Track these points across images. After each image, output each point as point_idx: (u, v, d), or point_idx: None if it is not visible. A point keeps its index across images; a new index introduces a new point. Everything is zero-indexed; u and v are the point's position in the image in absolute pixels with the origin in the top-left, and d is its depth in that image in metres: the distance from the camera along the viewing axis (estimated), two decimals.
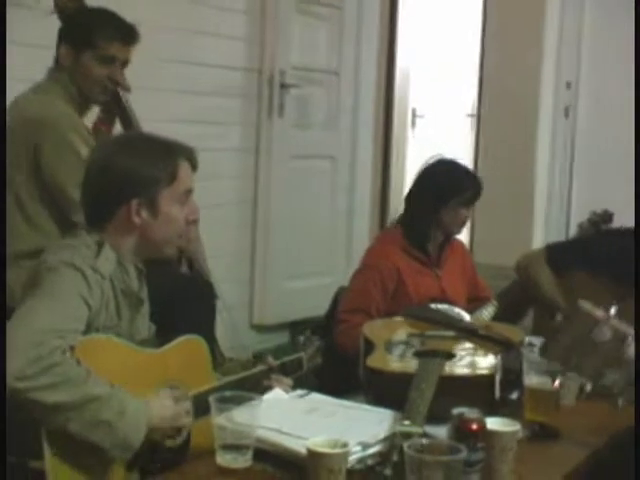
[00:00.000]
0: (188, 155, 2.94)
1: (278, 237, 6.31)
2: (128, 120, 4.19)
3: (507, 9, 9.16)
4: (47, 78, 3.90)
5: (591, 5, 6.01)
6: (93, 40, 3.82)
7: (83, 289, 2.68)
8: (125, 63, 3.95)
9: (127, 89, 4.13)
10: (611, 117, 5.99)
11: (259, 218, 6.27)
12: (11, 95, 3.95)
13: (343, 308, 4.36)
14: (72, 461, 2.52)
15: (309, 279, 6.55)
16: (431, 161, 4.61)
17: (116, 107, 4.19)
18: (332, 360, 3.46)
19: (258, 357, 3.31)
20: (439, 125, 10.85)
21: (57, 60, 3.90)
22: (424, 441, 2.32)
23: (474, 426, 2.52)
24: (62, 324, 2.59)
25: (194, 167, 2.97)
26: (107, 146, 3.12)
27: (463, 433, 2.50)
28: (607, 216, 4.59)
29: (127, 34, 3.90)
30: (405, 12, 9.28)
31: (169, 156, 2.90)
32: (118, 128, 4.24)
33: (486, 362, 3.18)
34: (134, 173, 2.82)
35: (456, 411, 2.58)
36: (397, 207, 9.89)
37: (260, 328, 6.17)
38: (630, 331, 3.13)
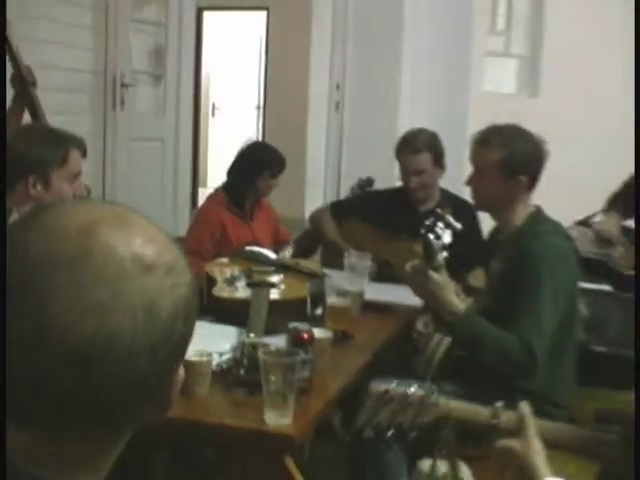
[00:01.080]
0: (78, 145, 3.20)
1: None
2: (35, 111, 4.28)
3: (286, 27, 9.91)
4: None
5: (354, 21, 6.10)
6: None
7: None
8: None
9: (34, 85, 4.30)
10: (370, 109, 6.10)
11: (107, 191, 6.45)
12: None
13: (185, 248, 5.01)
14: None
15: None
16: (248, 143, 5.30)
17: (25, 100, 4.25)
18: None
19: None
20: (233, 115, 11.89)
21: None
22: (272, 348, 2.67)
23: (306, 336, 2.79)
24: None
25: (84, 155, 3.24)
26: (14, 133, 3.36)
27: (298, 341, 2.77)
28: (370, 181, 4.90)
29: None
30: (208, 28, 10.22)
31: (61, 144, 3.13)
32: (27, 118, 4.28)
33: (299, 288, 3.49)
34: (31, 155, 3.04)
35: (291, 325, 2.84)
36: (204, 176, 11.04)
37: None
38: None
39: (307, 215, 5.97)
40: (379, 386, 2.25)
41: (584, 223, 4.61)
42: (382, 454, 3.05)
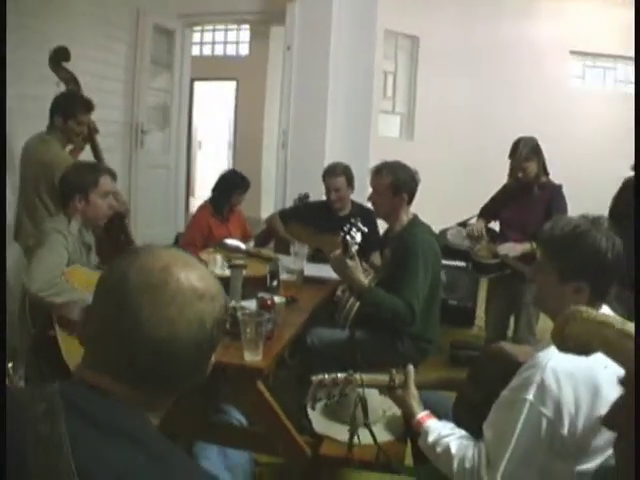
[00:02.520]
0: (108, 172, 3.12)
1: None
2: (96, 151, 4.11)
3: (249, 91, 9.68)
4: (47, 132, 3.82)
5: (295, 89, 5.92)
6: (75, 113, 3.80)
7: (64, 242, 2.84)
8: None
9: (97, 132, 4.12)
10: (305, 147, 5.93)
11: (132, 203, 5.95)
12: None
13: (183, 242, 4.75)
14: (68, 331, 2.68)
15: (154, 227, 6.45)
16: (226, 171, 5.13)
17: (89, 142, 4.07)
18: None
19: None
20: (213, 149, 11.74)
21: (52, 121, 3.81)
22: (247, 310, 2.63)
23: (269, 302, 2.77)
24: (57, 264, 2.76)
25: (113, 178, 3.14)
26: (69, 167, 3.21)
27: (264, 306, 2.75)
28: (306, 195, 5.06)
29: (89, 107, 3.88)
30: (197, 91, 9.76)
31: (95, 171, 3.08)
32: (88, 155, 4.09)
33: (261, 268, 3.46)
34: (77, 181, 3.00)
35: (259, 295, 2.83)
36: (193, 189, 10.68)
37: None
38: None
39: (262, 216, 6.03)
40: (317, 377, 2.19)
41: (462, 224, 4.58)
42: None
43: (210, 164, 11.41)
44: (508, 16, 7.72)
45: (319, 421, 2.55)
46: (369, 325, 3.33)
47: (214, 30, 10.44)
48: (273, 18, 6.52)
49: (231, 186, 4.79)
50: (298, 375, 3.38)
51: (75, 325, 2.59)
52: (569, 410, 1.63)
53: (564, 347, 0.81)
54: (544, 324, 3.26)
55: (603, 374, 1.60)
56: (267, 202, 7.12)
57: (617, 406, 0.80)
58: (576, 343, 0.78)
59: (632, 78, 8.08)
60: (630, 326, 0.71)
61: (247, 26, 9.90)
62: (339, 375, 2.18)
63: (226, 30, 10.48)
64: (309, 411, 2.56)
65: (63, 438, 0.90)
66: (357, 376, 2.17)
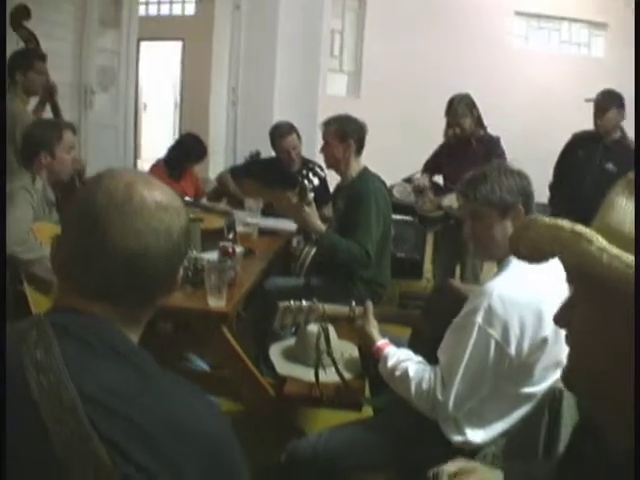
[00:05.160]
0: (70, 127, 3.16)
1: None
2: (56, 109, 4.10)
3: (196, 50, 9.48)
4: (8, 90, 3.78)
5: (245, 46, 5.96)
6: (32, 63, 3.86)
7: (30, 199, 2.86)
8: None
9: (56, 92, 4.12)
10: (256, 105, 5.95)
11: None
12: None
13: None
14: (37, 289, 2.67)
15: None
16: (186, 134, 5.10)
17: (50, 102, 4.09)
18: None
19: None
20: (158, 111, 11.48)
21: (12, 79, 3.82)
22: (211, 260, 2.68)
23: (231, 249, 2.86)
24: (26, 221, 2.76)
25: (74, 133, 3.17)
26: (30, 125, 3.26)
27: (226, 253, 2.83)
28: (258, 153, 4.99)
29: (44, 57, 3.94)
30: (143, 51, 9.62)
31: (58, 127, 3.10)
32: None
33: (218, 222, 3.57)
34: (41, 137, 3.00)
35: (221, 244, 2.93)
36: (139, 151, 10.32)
37: None
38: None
39: (210, 176, 5.92)
40: (284, 303, 2.31)
41: (407, 180, 4.70)
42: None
43: (156, 126, 11.24)
44: None
45: (281, 364, 2.62)
46: (324, 272, 3.43)
47: None
48: None
49: (190, 153, 4.76)
50: (255, 323, 3.46)
51: (44, 282, 2.59)
52: (515, 332, 1.77)
53: (520, 254, 0.90)
54: (489, 272, 3.41)
55: (546, 300, 1.74)
56: (215, 162, 6.97)
57: (566, 304, 0.88)
58: (532, 249, 0.86)
59: (576, 39, 8.28)
60: (580, 227, 0.80)
61: None
62: (304, 303, 2.29)
63: None
64: (271, 355, 2.64)
65: (60, 363, 0.93)
66: (320, 306, 2.28)
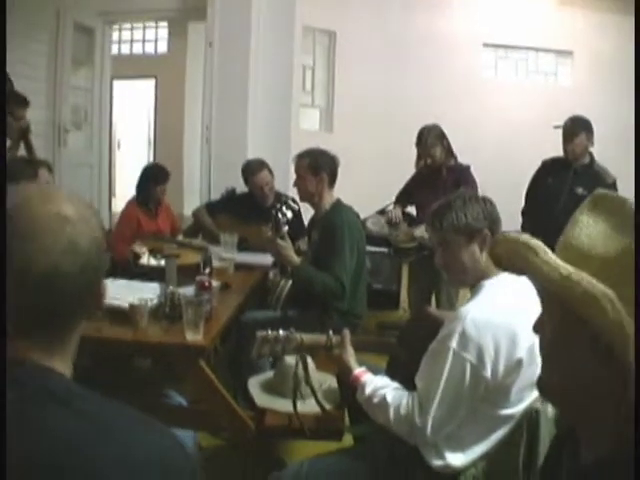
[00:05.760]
0: (45, 164, 3.22)
1: None
2: (30, 147, 4.22)
3: (168, 88, 9.58)
4: None
5: (218, 85, 5.94)
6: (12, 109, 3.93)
7: None
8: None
9: (29, 131, 4.22)
10: (229, 144, 5.96)
11: None
12: None
13: (112, 238, 4.49)
14: None
15: None
16: (145, 165, 5.15)
17: (24, 141, 4.20)
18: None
19: None
20: (131, 148, 11.51)
21: None
22: (187, 295, 2.69)
23: (207, 283, 2.82)
24: None
25: (50, 171, 3.23)
26: (9, 162, 3.32)
27: (202, 287, 2.80)
28: (233, 189, 5.01)
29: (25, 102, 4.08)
30: (116, 89, 9.51)
31: (33, 165, 3.16)
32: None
33: (194, 257, 3.56)
34: (15, 174, 2.82)
35: (198, 278, 2.88)
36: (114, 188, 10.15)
37: None
38: None
39: (185, 212, 6.06)
40: (261, 333, 2.30)
41: (381, 212, 4.74)
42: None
43: (130, 163, 11.19)
44: (422, 10, 7.89)
45: (260, 397, 2.62)
46: (300, 304, 3.44)
47: (132, 28, 10.30)
48: (191, 14, 6.57)
49: (152, 178, 4.76)
50: (232, 356, 3.45)
51: None
52: (490, 354, 1.80)
53: (500, 266, 0.95)
54: (464, 299, 3.44)
55: (519, 322, 1.77)
56: (190, 199, 7.05)
57: (540, 314, 0.92)
58: (505, 262, 0.90)
59: (543, 68, 8.48)
60: (529, 240, 0.83)
61: (165, 23, 9.81)
62: (281, 332, 2.28)
63: (144, 28, 10.35)
64: (250, 388, 2.64)
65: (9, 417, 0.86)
66: (297, 335, 2.29)
